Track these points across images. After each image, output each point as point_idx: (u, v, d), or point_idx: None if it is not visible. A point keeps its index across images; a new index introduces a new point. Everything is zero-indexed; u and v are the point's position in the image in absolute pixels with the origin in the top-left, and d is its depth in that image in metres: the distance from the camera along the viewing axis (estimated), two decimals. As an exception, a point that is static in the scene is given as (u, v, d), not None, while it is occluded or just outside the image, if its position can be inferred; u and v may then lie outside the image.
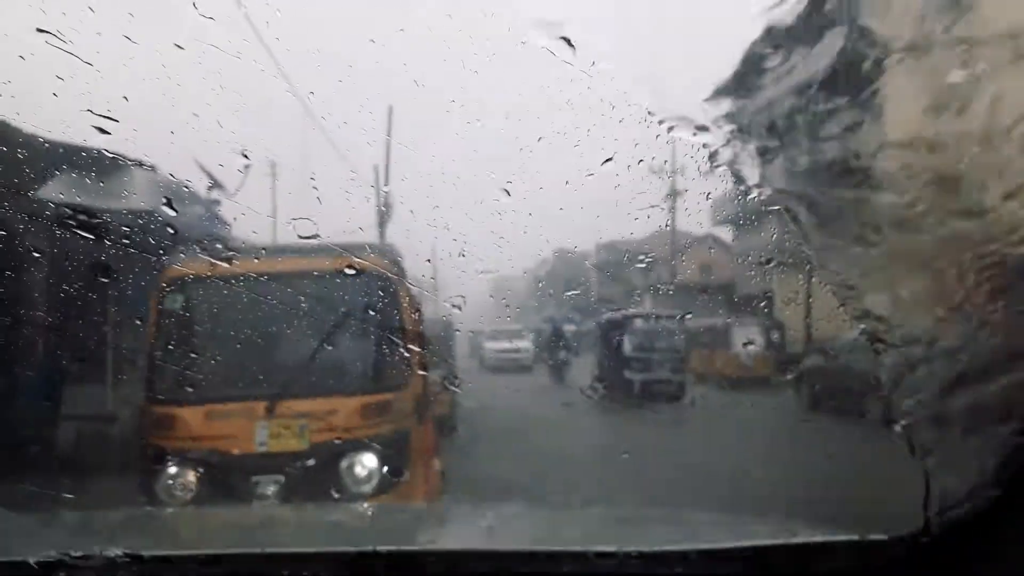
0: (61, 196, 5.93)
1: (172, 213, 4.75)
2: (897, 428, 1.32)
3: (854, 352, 10.83)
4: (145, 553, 1.46)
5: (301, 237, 4.26)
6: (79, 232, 4.57)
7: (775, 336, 20.18)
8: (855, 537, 1.40)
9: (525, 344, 24.80)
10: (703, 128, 2.68)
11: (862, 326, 1.58)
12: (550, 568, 1.43)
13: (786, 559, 1.46)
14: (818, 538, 1.52)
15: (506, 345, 24.11)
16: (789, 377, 15.43)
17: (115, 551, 1.47)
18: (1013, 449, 1.16)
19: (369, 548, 1.49)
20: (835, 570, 1.42)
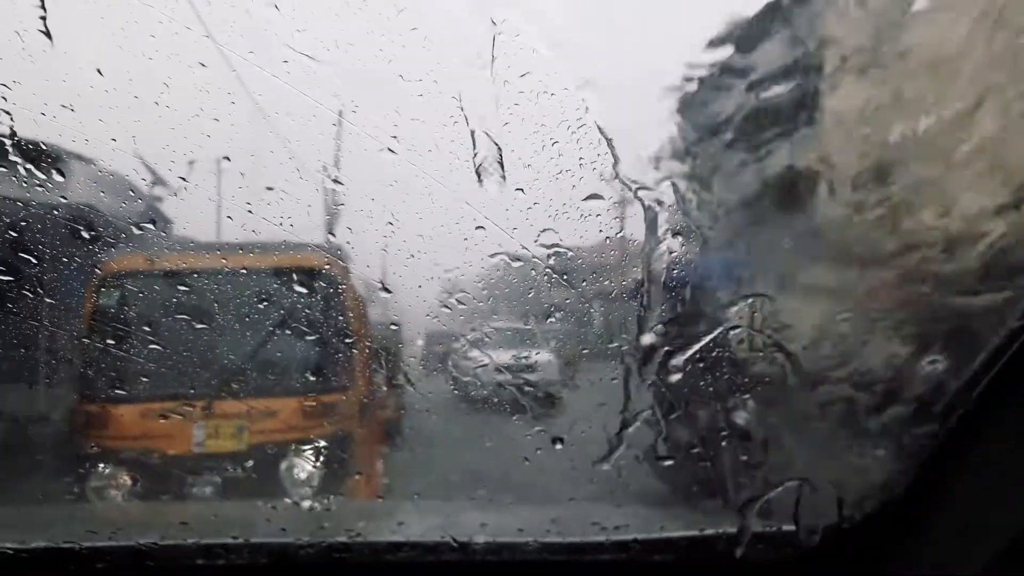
0: (-7, 187, 5.72)
1: (110, 207, 4.64)
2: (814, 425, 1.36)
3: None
4: (77, 545, 1.43)
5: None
6: (10, 225, 4.42)
7: (720, 344, 20.55)
8: (788, 527, 1.44)
9: (543, 356, 12.59)
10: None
11: (771, 331, 1.63)
12: (487, 557, 1.44)
13: (721, 547, 1.48)
14: (752, 528, 1.55)
15: (507, 358, 9.73)
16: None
17: (43, 543, 1.43)
18: (925, 440, 1.20)
19: (304, 540, 1.48)
20: (769, 557, 1.45)
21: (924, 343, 1.29)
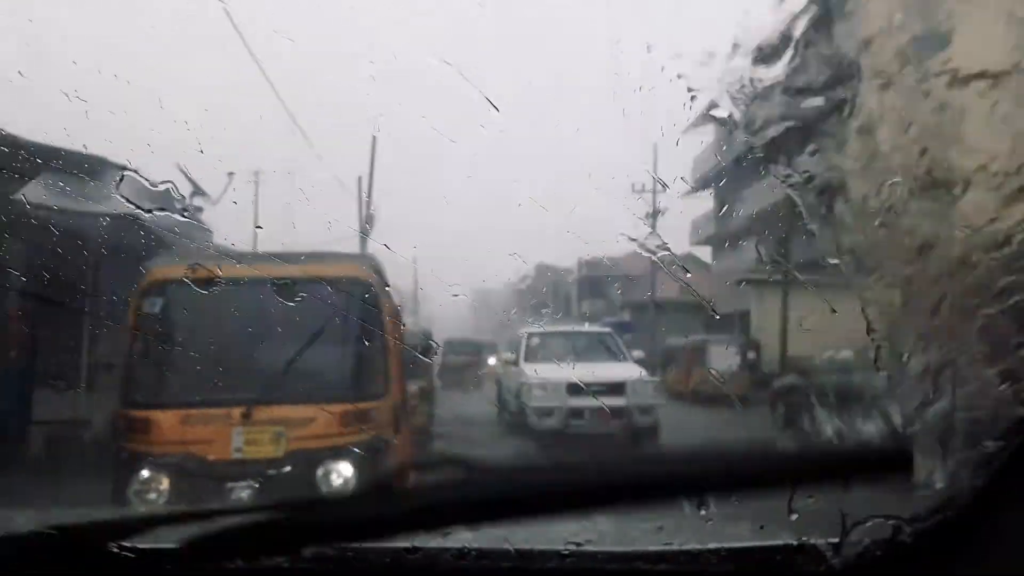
0: (40, 198, 5.88)
1: (153, 218, 4.73)
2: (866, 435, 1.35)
3: (832, 370, 11.02)
4: (115, 547, 1.45)
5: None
6: (57, 234, 4.54)
7: (751, 355, 20.40)
8: (834, 540, 1.42)
9: (630, 371, 10.40)
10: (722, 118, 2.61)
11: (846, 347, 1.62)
12: (527, 564, 1.44)
13: (764, 560, 1.47)
14: (796, 540, 1.53)
15: (590, 373, 10.10)
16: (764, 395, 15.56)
17: (83, 543, 1.46)
18: (989, 454, 1.18)
19: (351, 545, 1.48)
20: (813, 571, 1.43)
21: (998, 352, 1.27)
